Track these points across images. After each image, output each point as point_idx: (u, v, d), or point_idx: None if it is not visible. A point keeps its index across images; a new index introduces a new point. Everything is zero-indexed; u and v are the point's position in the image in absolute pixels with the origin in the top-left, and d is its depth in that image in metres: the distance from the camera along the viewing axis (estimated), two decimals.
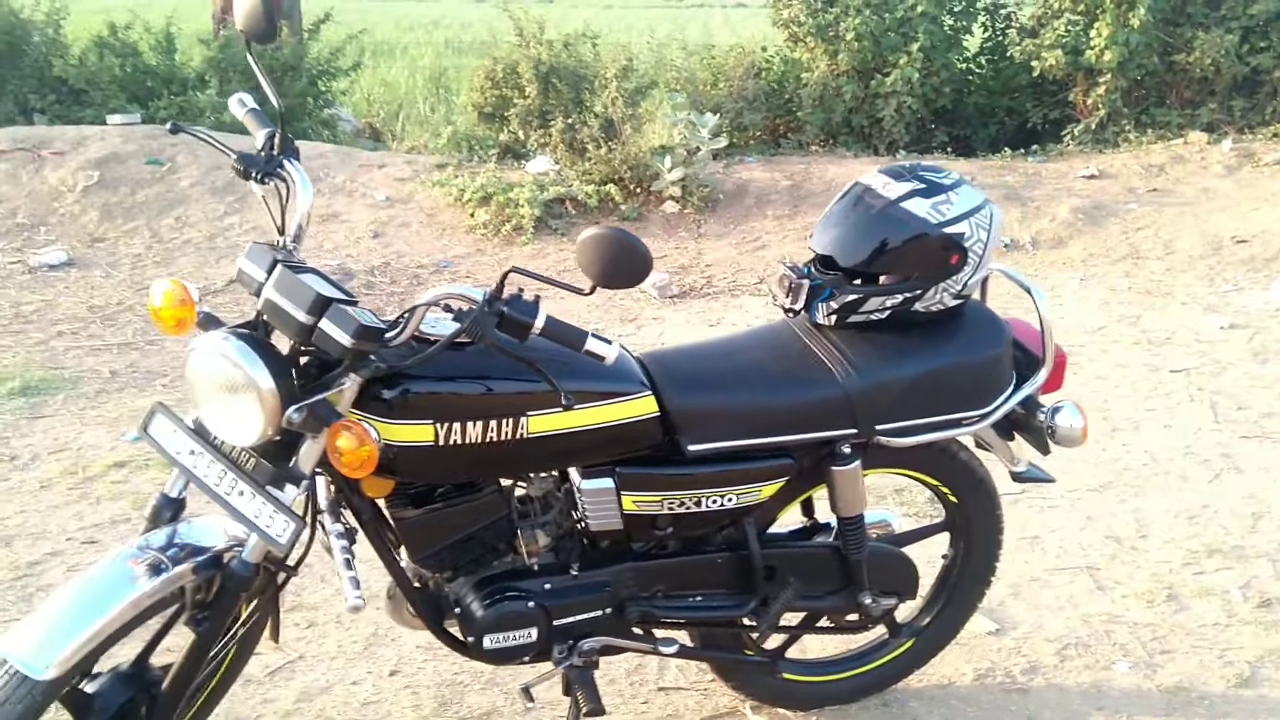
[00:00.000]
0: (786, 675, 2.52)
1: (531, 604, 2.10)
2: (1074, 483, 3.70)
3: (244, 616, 2.05)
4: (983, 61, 9.71)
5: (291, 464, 1.85)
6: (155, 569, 1.84)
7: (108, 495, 3.65)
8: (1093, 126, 8.65)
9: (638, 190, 7.71)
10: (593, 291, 1.81)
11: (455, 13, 34.08)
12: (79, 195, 7.77)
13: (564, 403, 1.82)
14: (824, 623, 2.49)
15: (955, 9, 9.25)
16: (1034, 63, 8.66)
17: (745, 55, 9.56)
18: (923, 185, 2.19)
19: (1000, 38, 9.53)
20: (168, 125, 2.08)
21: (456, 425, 1.89)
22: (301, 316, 1.76)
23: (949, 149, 9.08)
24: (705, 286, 6.54)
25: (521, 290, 1.82)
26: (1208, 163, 7.84)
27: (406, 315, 1.84)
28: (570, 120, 8.07)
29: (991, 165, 8.21)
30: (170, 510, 1.94)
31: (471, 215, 7.42)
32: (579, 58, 8.73)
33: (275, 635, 2.16)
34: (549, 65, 8.52)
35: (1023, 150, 8.79)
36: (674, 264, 6.88)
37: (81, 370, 4.96)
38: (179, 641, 1.96)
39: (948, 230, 2.16)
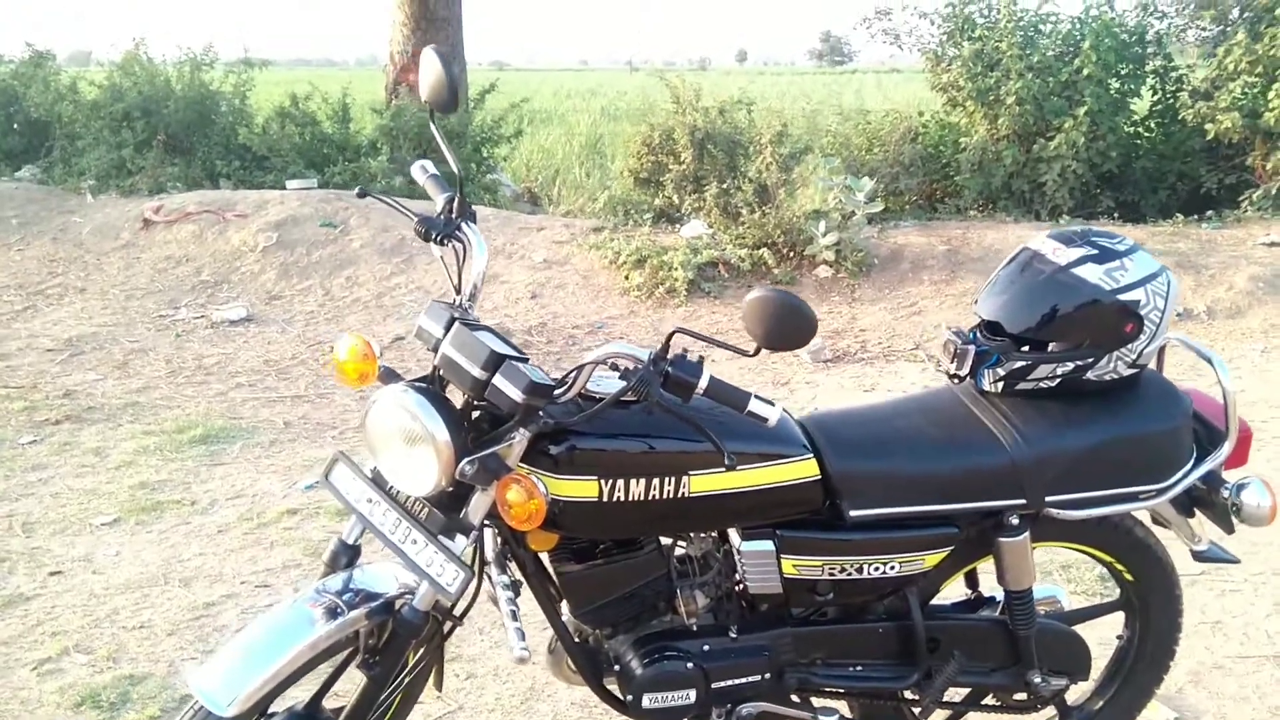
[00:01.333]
0: None
1: (690, 665, 2.09)
2: (1259, 565, 3.50)
3: (411, 664, 2.11)
4: (1152, 125, 9.41)
5: (462, 515, 1.90)
6: (332, 613, 1.91)
7: (280, 541, 3.81)
8: (1273, 192, 8.28)
9: (790, 254, 7.72)
10: (757, 353, 1.82)
11: (611, 82, 35.08)
12: (259, 255, 8.24)
13: (727, 463, 1.82)
14: (990, 700, 2.40)
15: (1122, 72, 9.02)
16: (1208, 125, 8.36)
17: (901, 120, 9.53)
18: (1095, 251, 2.14)
19: (1171, 100, 9.24)
20: (356, 190, 2.19)
21: (620, 482, 1.92)
22: (476, 371, 1.83)
23: (1116, 215, 8.81)
24: (859, 351, 6.48)
25: (686, 350, 1.85)
26: None
27: (574, 373, 1.88)
28: (725, 185, 8.16)
29: (1162, 231, 7.93)
30: (347, 556, 2.02)
31: (626, 278, 7.56)
32: (734, 124, 8.84)
33: (439, 684, 2.21)
34: (704, 131, 8.65)
35: (1196, 216, 8.46)
36: (828, 328, 6.84)
37: (258, 420, 5.22)
38: (347, 687, 2.03)
39: (1122, 297, 2.10)
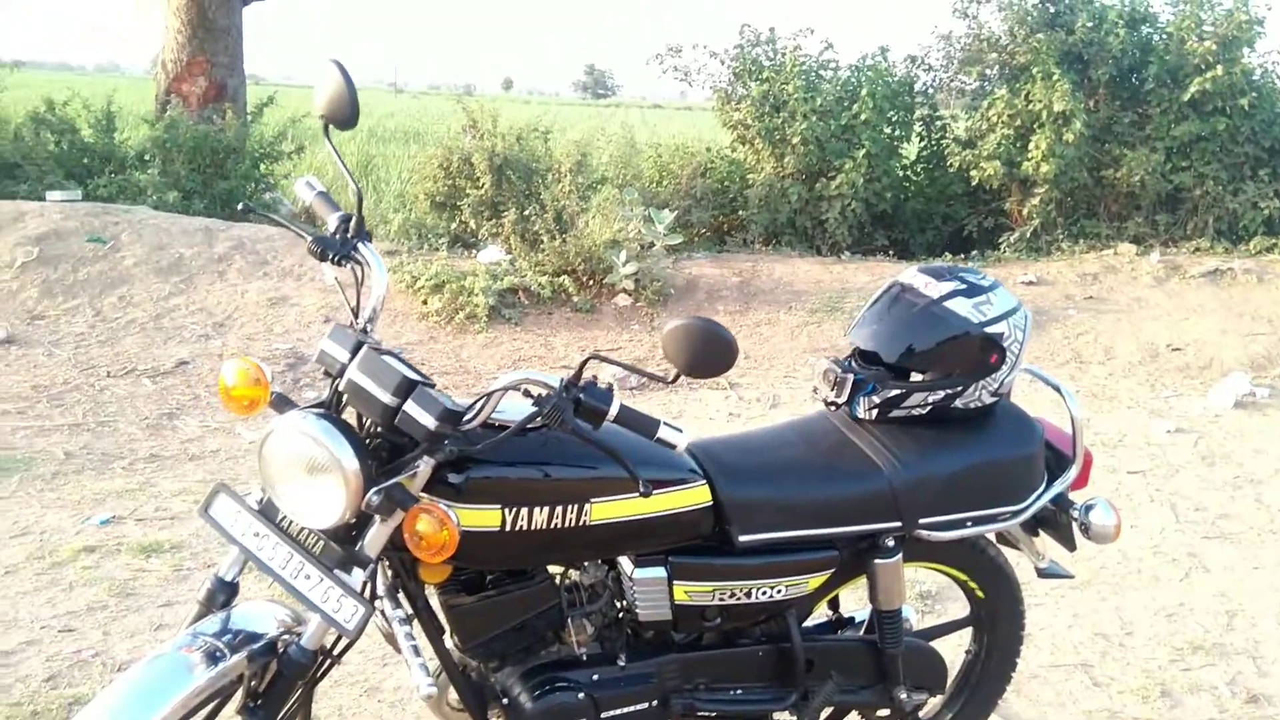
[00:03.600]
0: None
1: (581, 695, 2.06)
2: (1055, 581, 3.76)
3: (284, 712, 1.98)
4: (919, 169, 10.06)
5: (358, 548, 1.81)
6: (212, 657, 1.77)
7: (80, 581, 3.50)
8: (1027, 235, 9.00)
9: (590, 282, 7.78)
10: (676, 380, 1.83)
11: (375, 101, 34.29)
12: (16, 271, 7.57)
13: (642, 490, 1.82)
14: (854, 718, 2.49)
15: (894, 119, 9.60)
16: (973, 172, 9.02)
17: (691, 155, 9.79)
18: (964, 285, 2.27)
19: (935, 146, 9.91)
20: (240, 206, 2.07)
21: (524, 510, 1.88)
22: (386, 398, 1.75)
23: (889, 251, 9.34)
24: None
25: (595, 377, 1.84)
26: (1138, 273, 8.19)
27: (482, 400, 1.83)
28: (525, 211, 8.14)
29: None
30: (224, 594, 1.88)
31: (424, 303, 7.41)
32: (531, 151, 8.85)
33: None
34: (503, 157, 8.61)
35: (962, 255, 9.09)
36: (629, 356, 6.93)
37: (33, 451, 4.79)
38: None
39: (988, 330, 2.23)
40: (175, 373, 6.22)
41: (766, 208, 9.28)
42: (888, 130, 9.54)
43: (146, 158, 9.95)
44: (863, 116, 9.05)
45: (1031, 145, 8.65)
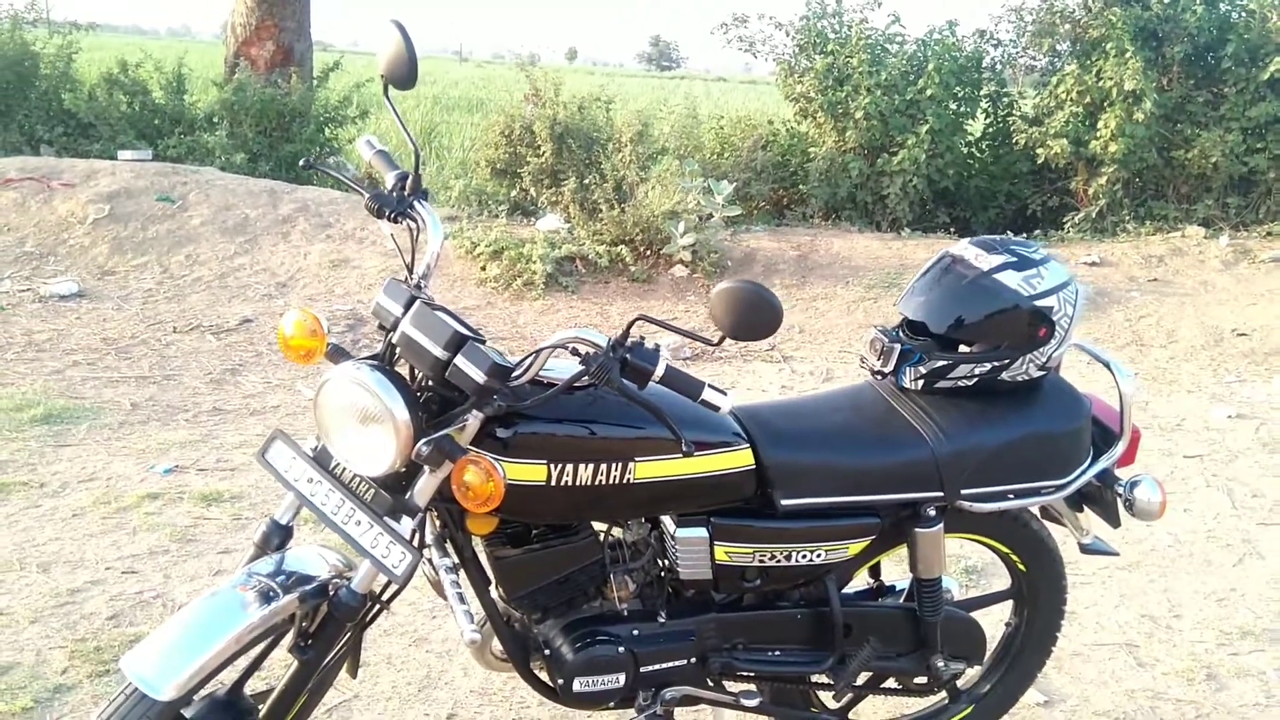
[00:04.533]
0: None
1: (621, 649, 2.11)
2: (1104, 560, 3.74)
3: (334, 653, 2.05)
4: (984, 146, 9.93)
5: (408, 497, 1.86)
6: (265, 596, 1.84)
7: (144, 526, 3.62)
8: (1092, 215, 8.86)
9: (648, 253, 7.80)
10: (721, 343, 1.85)
11: (440, 70, 34.49)
12: (89, 228, 7.79)
13: (685, 450, 1.84)
14: (891, 684, 2.51)
15: (960, 94, 9.48)
16: (1038, 150, 8.88)
17: (754, 127, 9.75)
18: (1015, 258, 2.26)
19: (1002, 124, 9.76)
20: (301, 162, 2.12)
21: (569, 466, 1.92)
22: (438, 352, 1.80)
23: (950, 229, 9.26)
24: (717, 351, 6.60)
25: (643, 338, 1.87)
26: (1205, 257, 8.04)
27: (531, 356, 1.87)
28: (584, 180, 8.17)
29: None
30: (279, 537, 1.95)
31: (483, 269, 7.49)
32: (592, 120, 8.87)
33: (354, 671, 2.14)
34: (564, 126, 8.65)
35: (1024, 234, 8.98)
36: (684, 326, 6.94)
37: (101, 401, 4.94)
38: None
39: (1038, 303, 2.23)
40: (238, 330, 6.36)
41: (827, 182, 9.23)
42: (953, 106, 9.43)
43: (215, 120, 10.15)
44: (928, 92, 8.95)
45: (1100, 124, 8.51)
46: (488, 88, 24.75)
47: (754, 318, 1.79)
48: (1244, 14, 8.73)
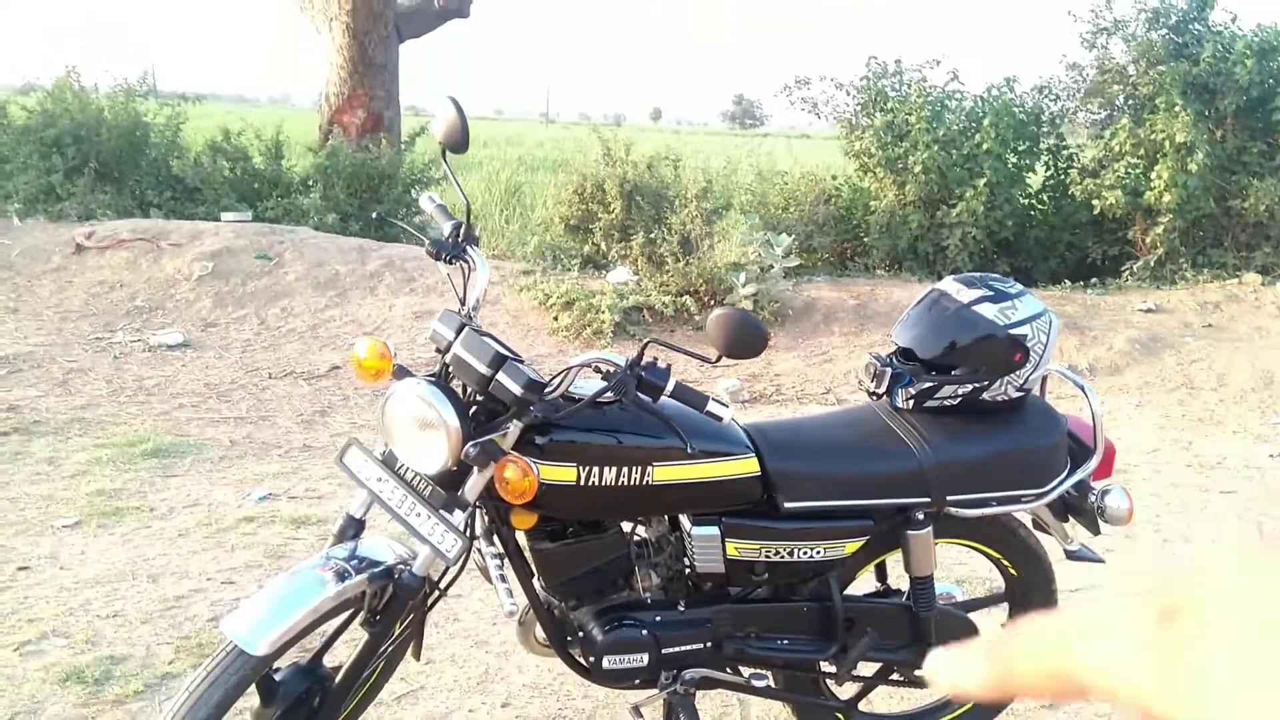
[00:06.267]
0: None
1: (644, 632, 2.44)
2: (1132, 587, 3.96)
3: (398, 632, 2.41)
4: (1044, 198, 10.14)
5: (460, 493, 2.23)
6: (340, 575, 2.21)
7: (240, 544, 4.05)
8: (1151, 264, 9.02)
9: (711, 302, 8.15)
10: (718, 361, 2.20)
11: (527, 132, 35.53)
12: (194, 284, 8.41)
13: (689, 450, 2.19)
14: (896, 676, 2.79)
15: (1019, 148, 9.74)
16: (1095, 201, 9.09)
17: (816, 182, 10.11)
18: (991, 292, 2.58)
19: (1062, 176, 9.98)
20: (374, 215, 2.53)
21: (595, 469, 2.27)
22: (483, 369, 2.17)
23: (1011, 279, 9.44)
24: (774, 394, 6.92)
25: (656, 359, 2.22)
26: (1261, 303, 8.14)
27: (561, 375, 2.24)
28: (651, 235, 8.59)
29: (1051, 295, 8.58)
30: (353, 529, 2.33)
31: (555, 319, 7.92)
32: (660, 178, 9.31)
33: (418, 654, 2.51)
34: (633, 183, 9.10)
35: (1082, 283, 9.15)
36: (745, 372, 7.27)
37: (204, 438, 5.43)
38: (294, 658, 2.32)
39: (1013, 331, 2.53)
40: (328, 376, 6.85)
41: (888, 233, 9.53)
42: (1012, 159, 9.68)
43: (310, 183, 10.82)
44: (985, 146, 9.23)
45: (1154, 175, 8.69)
46: (570, 148, 25.53)
47: (743, 339, 2.14)
48: None
